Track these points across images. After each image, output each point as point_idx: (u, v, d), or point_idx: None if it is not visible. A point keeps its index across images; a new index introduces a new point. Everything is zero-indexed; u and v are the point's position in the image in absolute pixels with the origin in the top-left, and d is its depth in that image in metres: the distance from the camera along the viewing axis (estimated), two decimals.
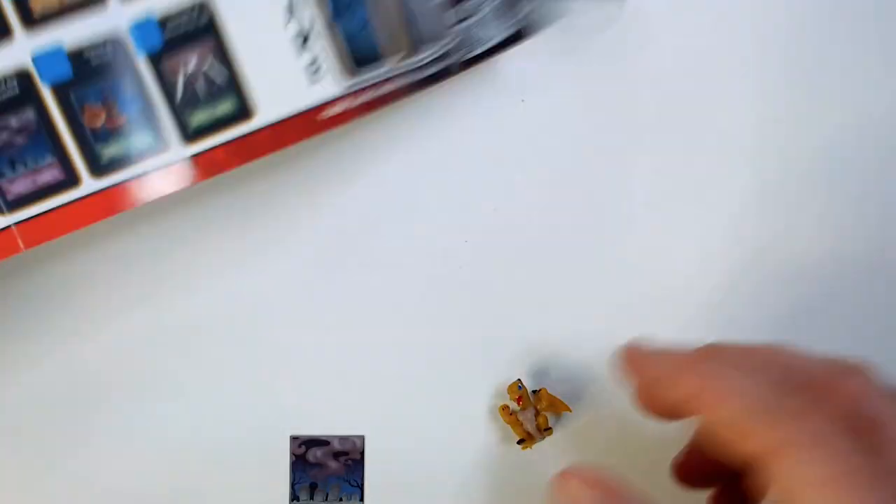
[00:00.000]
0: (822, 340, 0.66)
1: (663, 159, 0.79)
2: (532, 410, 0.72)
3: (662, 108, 0.79)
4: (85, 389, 0.75)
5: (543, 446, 0.75)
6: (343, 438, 0.74)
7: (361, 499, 0.74)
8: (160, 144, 0.62)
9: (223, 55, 0.62)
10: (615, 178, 0.78)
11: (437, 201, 0.76)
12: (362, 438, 0.74)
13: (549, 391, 0.74)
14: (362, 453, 0.74)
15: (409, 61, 0.66)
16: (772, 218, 0.80)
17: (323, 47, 0.63)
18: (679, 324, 0.77)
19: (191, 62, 0.62)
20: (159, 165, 0.62)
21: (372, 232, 0.77)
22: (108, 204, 0.62)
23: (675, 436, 0.66)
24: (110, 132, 0.62)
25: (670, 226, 0.78)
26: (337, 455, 0.74)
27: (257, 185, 0.73)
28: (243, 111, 0.62)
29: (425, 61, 0.67)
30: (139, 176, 0.62)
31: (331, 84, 0.63)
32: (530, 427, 0.72)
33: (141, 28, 0.61)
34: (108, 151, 0.62)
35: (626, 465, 0.66)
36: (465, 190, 0.76)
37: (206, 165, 0.62)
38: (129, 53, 0.61)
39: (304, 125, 0.63)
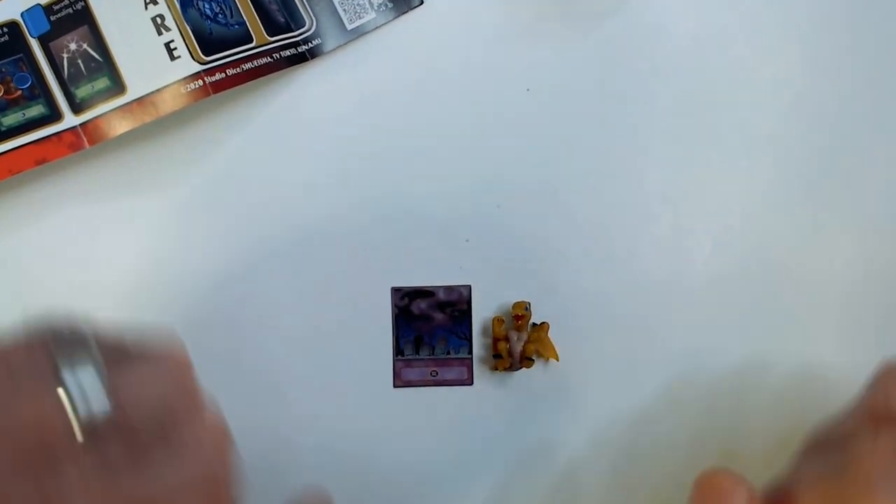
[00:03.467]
0: (839, 338, 0.71)
1: (678, 151, 0.74)
2: (525, 336, 0.69)
3: (677, 98, 0.74)
4: None
5: (505, 379, 0.73)
6: (448, 288, 0.70)
7: (470, 352, 0.70)
8: (55, 114, 0.70)
9: (97, 36, 0.69)
10: (627, 169, 0.74)
11: (438, 196, 0.73)
12: (468, 288, 0.70)
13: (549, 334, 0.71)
14: (469, 303, 0.70)
15: (262, 47, 0.72)
16: (795, 213, 0.74)
17: (176, 32, 0.69)
18: (691, 316, 0.74)
19: (72, 43, 0.69)
20: (54, 132, 0.70)
21: None
22: (9, 165, 0.70)
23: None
24: (8, 104, 0.70)
25: (685, 218, 0.74)
26: (442, 306, 0.70)
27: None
28: (118, 85, 0.69)
29: (278, 45, 0.73)
30: (37, 141, 0.70)
31: (188, 63, 0.69)
32: (514, 349, 0.69)
33: (31, 14, 0.70)
34: (6, 120, 0.70)
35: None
36: (466, 185, 0.73)
37: (93, 133, 0.69)
38: (23, 36, 0.70)
39: (172, 97, 0.69)
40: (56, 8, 0.69)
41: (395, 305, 0.71)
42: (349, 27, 0.74)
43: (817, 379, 0.73)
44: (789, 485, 0.53)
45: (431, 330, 0.71)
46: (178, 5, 0.69)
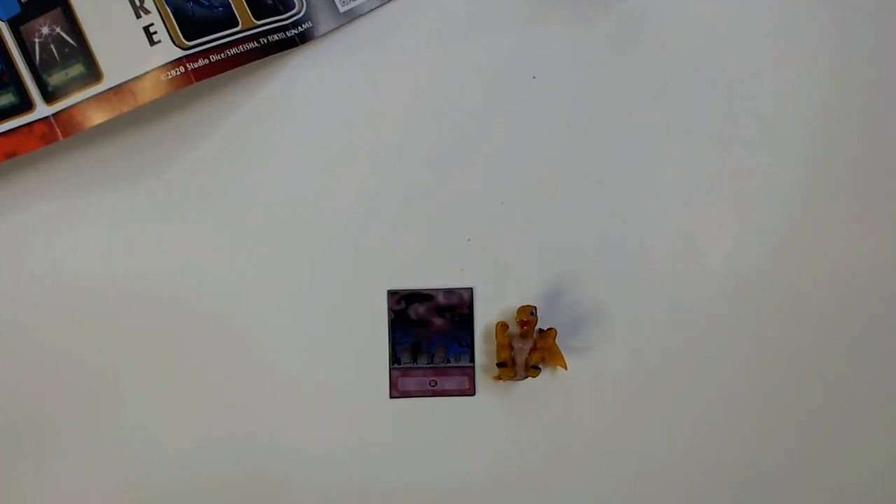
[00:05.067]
0: (869, 344, 0.70)
1: (694, 144, 0.71)
2: (531, 343, 0.67)
3: (692, 87, 0.71)
4: None
5: (510, 390, 0.71)
6: (448, 291, 0.68)
7: (472, 360, 0.68)
8: (26, 103, 0.66)
9: (71, 19, 0.66)
10: (638, 163, 0.71)
11: (438, 191, 0.71)
12: (470, 291, 0.68)
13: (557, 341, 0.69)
14: (470, 308, 0.68)
15: (248, 31, 0.69)
16: (822, 211, 0.71)
17: (156, 14, 0.66)
18: (709, 322, 0.71)
19: (44, 27, 0.66)
20: (25, 123, 0.66)
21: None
22: None
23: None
24: None
25: (702, 217, 0.71)
26: (442, 310, 0.68)
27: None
28: (93, 72, 0.66)
29: (265, 29, 0.70)
30: (6, 133, 0.66)
31: (168, 48, 0.66)
32: (519, 357, 0.67)
33: None
34: None
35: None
36: (468, 180, 0.71)
37: (66, 123, 0.66)
38: None
39: (152, 85, 0.66)
40: None
41: (390, 310, 0.69)
42: (342, 10, 0.71)
43: (845, 385, 0.71)
44: None
45: (430, 336, 0.68)
46: None
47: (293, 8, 0.71)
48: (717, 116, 0.70)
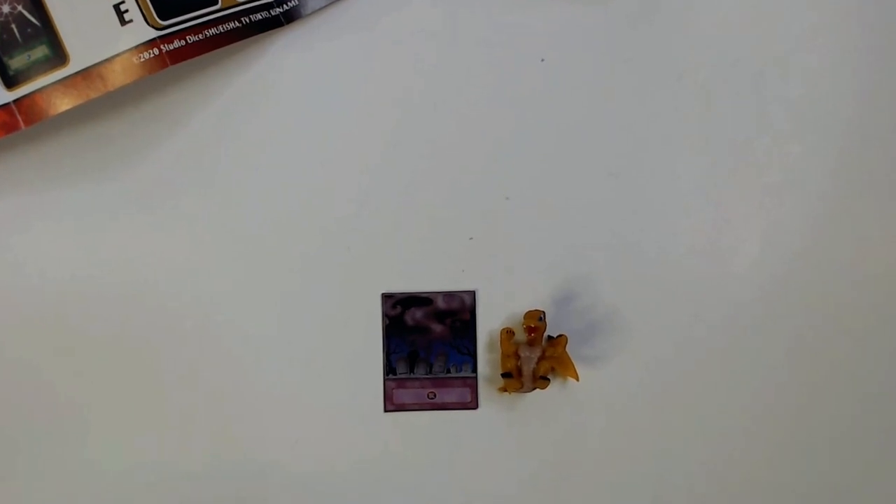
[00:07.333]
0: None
1: (717, 135, 0.69)
2: (539, 351, 0.66)
3: (715, 73, 0.70)
4: None
5: (516, 402, 0.69)
6: (449, 295, 0.66)
7: (474, 370, 0.67)
8: None
9: None
10: (656, 154, 0.69)
11: (437, 186, 0.69)
12: (472, 294, 0.67)
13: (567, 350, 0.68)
14: (473, 313, 0.67)
15: (229, 10, 0.67)
16: (856, 207, 0.69)
17: None
18: (734, 329, 0.69)
19: (4, 5, 0.63)
20: None
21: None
22: None
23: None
24: None
25: (727, 213, 0.69)
26: (442, 316, 0.67)
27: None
28: (59, 55, 0.64)
29: (248, 8, 0.68)
30: None
31: (141, 28, 0.64)
32: (526, 367, 0.66)
33: None
34: None
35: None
36: (470, 173, 0.69)
37: (29, 110, 0.64)
38: None
39: (123, 69, 0.64)
40: None
41: (385, 315, 0.67)
42: None
43: (884, 396, 0.69)
44: None
45: (428, 344, 0.67)
46: None
47: None
48: (742, 103, 0.68)
